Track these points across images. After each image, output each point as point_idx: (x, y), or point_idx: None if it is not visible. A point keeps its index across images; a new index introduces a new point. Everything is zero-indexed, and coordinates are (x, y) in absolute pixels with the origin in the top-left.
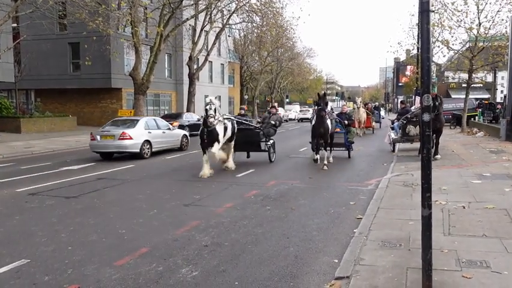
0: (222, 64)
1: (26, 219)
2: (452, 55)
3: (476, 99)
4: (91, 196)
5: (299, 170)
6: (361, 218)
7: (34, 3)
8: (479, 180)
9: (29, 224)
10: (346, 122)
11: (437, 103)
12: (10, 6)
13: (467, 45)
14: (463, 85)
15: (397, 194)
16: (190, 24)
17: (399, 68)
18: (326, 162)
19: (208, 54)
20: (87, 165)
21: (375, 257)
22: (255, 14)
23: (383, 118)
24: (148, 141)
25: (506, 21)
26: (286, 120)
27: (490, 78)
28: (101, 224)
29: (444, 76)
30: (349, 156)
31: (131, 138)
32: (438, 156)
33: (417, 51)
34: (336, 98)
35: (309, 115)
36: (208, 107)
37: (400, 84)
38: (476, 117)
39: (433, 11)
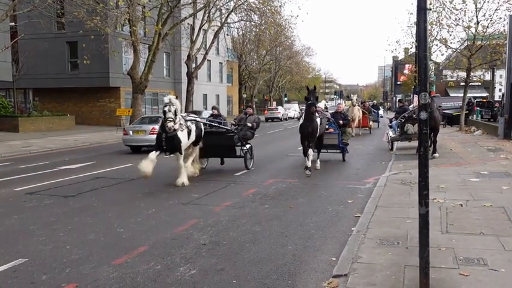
0: (220, 63)
1: (24, 219)
2: (451, 53)
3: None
4: (89, 195)
5: (297, 169)
6: (359, 216)
7: (32, 2)
8: (477, 178)
9: (27, 223)
10: (341, 122)
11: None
12: (8, 4)
13: (465, 44)
14: (461, 84)
15: (395, 192)
16: (188, 23)
17: (397, 66)
18: (309, 165)
19: (206, 53)
20: (85, 164)
21: (373, 255)
22: (253, 13)
23: (381, 117)
24: None
25: (504, 20)
26: (285, 119)
27: (488, 77)
28: (99, 223)
29: (442, 75)
30: (343, 159)
31: None
32: (436, 155)
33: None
34: (335, 96)
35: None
36: (166, 109)
37: (398, 82)
38: (470, 116)
39: (430, 9)
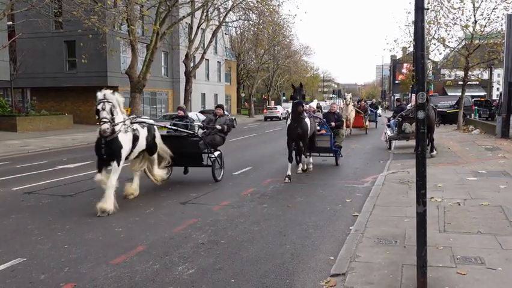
0: (218, 62)
1: (22, 218)
2: (448, 53)
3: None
4: (87, 194)
5: (295, 168)
6: (357, 216)
7: (29, 1)
8: (474, 177)
9: (25, 223)
10: (333, 124)
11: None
12: (5, 4)
13: (463, 43)
14: (459, 83)
15: (393, 191)
16: (186, 22)
17: (395, 65)
18: (300, 169)
19: (204, 52)
20: (83, 163)
21: (371, 254)
22: (251, 12)
23: (379, 116)
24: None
25: (502, 19)
26: (285, 118)
27: (486, 76)
28: (97, 223)
29: (440, 74)
30: (336, 164)
31: None
32: (434, 153)
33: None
34: (333, 95)
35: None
36: (100, 107)
37: (396, 81)
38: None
39: (428, 9)
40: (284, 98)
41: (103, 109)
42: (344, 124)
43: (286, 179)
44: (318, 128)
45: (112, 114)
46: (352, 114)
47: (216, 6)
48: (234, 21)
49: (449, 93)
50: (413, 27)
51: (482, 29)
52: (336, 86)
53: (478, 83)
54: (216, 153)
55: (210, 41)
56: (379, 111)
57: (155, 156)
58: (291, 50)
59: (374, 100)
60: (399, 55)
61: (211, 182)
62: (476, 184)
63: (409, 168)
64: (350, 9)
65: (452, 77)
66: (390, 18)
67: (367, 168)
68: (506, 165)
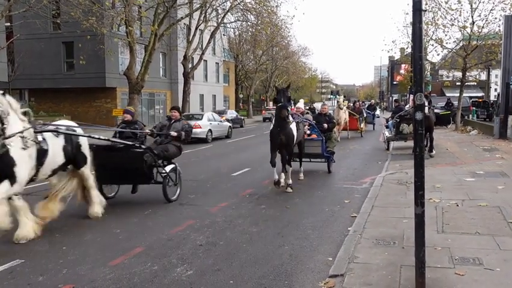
0: (216, 63)
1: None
2: (446, 53)
3: (448, 98)
4: None
5: (294, 169)
6: (355, 216)
7: (27, 2)
8: (472, 178)
9: None
10: (326, 125)
11: (426, 101)
12: (3, 5)
13: (461, 44)
14: (457, 83)
15: (391, 192)
16: (184, 23)
17: (393, 66)
18: (288, 183)
19: (202, 53)
20: None
21: (370, 255)
22: (249, 13)
23: (378, 117)
24: (210, 130)
25: (500, 20)
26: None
27: (483, 77)
28: (95, 224)
29: (438, 74)
30: (329, 171)
31: (200, 127)
32: (433, 153)
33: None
34: (332, 96)
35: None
36: None
37: (395, 82)
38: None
39: (425, 10)
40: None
41: None
42: (338, 127)
43: (276, 185)
44: (308, 132)
45: (3, 124)
46: (343, 117)
47: (214, 7)
48: (232, 22)
49: (447, 94)
50: (411, 28)
51: (479, 30)
52: (334, 87)
53: (475, 83)
54: (169, 168)
55: (208, 42)
56: (377, 112)
57: (86, 170)
58: (289, 51)
59: (372, 101)
60: (397, 56)
61: (210, 183)
62: (474, 185)
63: (407, 169)
64: (348, 10)
65: (450, 78)
66: (388, 20)
67: (365, 169)
68: (504, 166)
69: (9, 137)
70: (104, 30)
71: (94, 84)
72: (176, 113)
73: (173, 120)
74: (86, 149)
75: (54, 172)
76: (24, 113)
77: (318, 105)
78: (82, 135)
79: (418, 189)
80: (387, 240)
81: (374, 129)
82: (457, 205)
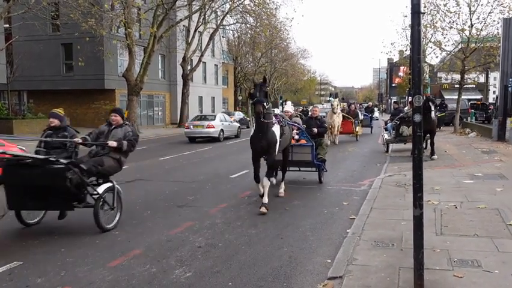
0: (215, 65)
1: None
2: (445, 56)
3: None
4: None
5: (293, 171)
6: (354, 218)
7: (26, 4)
8: (471, 180)
9: (21, 226)
10: (316, 130)
11: (430, 103)
12: (2, 6)
13: (460, 47)
14: (456, 86)
15: (390, 194)
16: (183, 25)
17: (392, 68)
18: (266, 200)
19: (201, 55)
20: None
21: (368, 256)
22: (248, 15)
23: (376, 119)
24: (222, 130)
25: (498, 23)
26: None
27: (482, 79)
28: (94, 226)
29: (437, 77)
30: (320, 181)
31: (213, 127)
32: (435, 157)
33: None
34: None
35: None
36: None
37: (393, 84)
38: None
39: (424, 13)
40: (281, 101)
41: None
42: (329, 131)
43: (262, 208)
44: (297, 137)
45: None
46: (338, 120)
47: (214, 9)
48: (231, 24)
49: (445, 97)
50: (410, 30)
51: (478, 33)
52: (333, 89)
53: (474, 86)
54: (104, 187)
55: (207, 44)
56: (376, 114)
57: None
58: (288, 53)
59: (370, 103)
60: (396, 58)
61: (209, 184)
62: (473, 187)
63: (406, 171)
64: (347, 12)
65: (448, 81)
66: (387, 22)
67: (364, 171)
68: (502, 168)
69: None
70: (103, 32)
71: (92, 86)
72: (117, 116)
73: (113, 126)
74: None
75: None
76: None
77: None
78: None
79: (417, 191)
80: (386, 242)
81: (371, 132)
82: (456, 207)
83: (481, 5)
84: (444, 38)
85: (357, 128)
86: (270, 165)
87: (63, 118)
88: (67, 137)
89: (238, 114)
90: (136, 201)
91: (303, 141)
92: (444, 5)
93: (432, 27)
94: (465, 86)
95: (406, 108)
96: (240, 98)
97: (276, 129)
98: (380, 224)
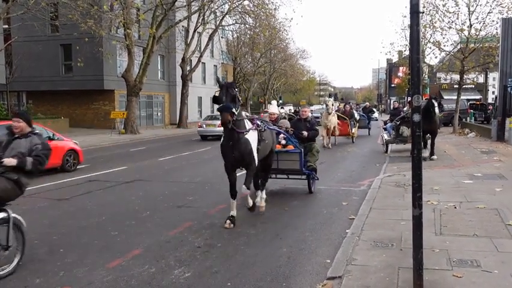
0: (215, 65)
1: None
2: (444, 56)
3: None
4: (83, 198)
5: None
6: (353, 219)
7: (26, 5)
8: (470, 180)
9: None
10: (305, 133)
11: (433, 101)
12: (1, 7)
13: (459, 47)
14: (455, 86)
15: (389, 194)
16: (183, 26)
17: (391, 69)
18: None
19: (201, 56)
20: (79, 167)
21: (368, 257)
22: (247, 16)
23: (376, 120)
24: None
25: (497, 23)
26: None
27: (481, 79)
28: (93, 226)
29: (436, 77)
30: (310, 191)
31: None
32: (434, 157)
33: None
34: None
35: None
36: None
37: (393, 85)
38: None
39: (423, 13)
40: (281, 101)
41: None
42: (324, 132)
43: (227, 222)
44: (283, 142)
45: None
46: (333, 121)
47: (213, 9)
48: (230, 24)
49: (445, 97)
50: (409, 30)
51: (477, 33)
52: (332, 90)
53: (473, 86)
54: None
55: (207, 45)
56: (376, 114)
57: None
58: (288, 53)
59: (367, 104)
60: (395, 59)
61: (208, 185)
62: (472, 187)
63: (405, 172)
64: (347, 13)
65: (447, 81)
66: (386, 22)
67: (363, 171)
68: (501, 168)
69: None
70: (103, 33)
71: (92, 87)
72: (20, 123)
73: (16, 136)
74: None
75: None
76: None
77: (315, 108)
78: None
79: (416, 191)
80: (385, 242)
81: (369, 134)
82: (455, 207)
83: (480, 5)
84: (444, 38)
85: (353, 130)
86: (247, 176)
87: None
88: None
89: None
90: (135, 202)
91: (290, 147)
92: (443, 5)
93: (432, 27)
94: (464, 86)
95: (405, 108)
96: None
97: (252, 136)
98: (379, 224)
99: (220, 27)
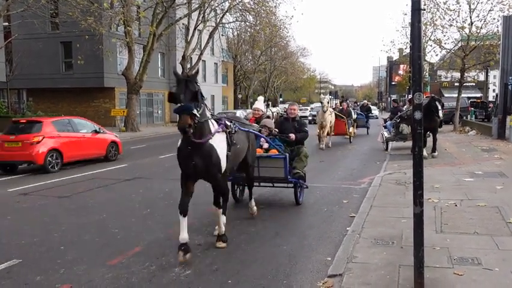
0: (215, 63)
1: (17, 219)
2: (445, 54)
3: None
4: (83, 196)
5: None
6: (354, 216)
7: (26, 2)
8: (471, 178)
9: (20, 224)
10: (292, 136)
11: (437, 103)
12: (1, 5)
13: (459, 44)
14: (456, 84)
15: (390, 192)
16: (183, 23)
17: (392, 67)
18: (220, 232)
19: (201, 54)
20: (80, 164)
21: (368, 254)
22: (248, 13)
23: (376, 118)
24: None
25: (498, 20)
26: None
27: (482, 77)
28: (93, 224)
29: (437, 75)
30: (297, 202)
31: None
32: (435, 154)
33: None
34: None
35: (307, 113)
36: None
37: (393, 83)
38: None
39: (424, 10)
40: (281, 99)
41: None
42: (320, 132)
43: (180, 254)
44: (266, 146)
45: None
46: (330, 119)
47: (213, 7)
48: (230, 22)
49: (445, 95)
50: (410, 28)
51: (478, 31)
52: (332, 88)
53: (474, 84)
54: None
55: (207, 42)
56: (376, 112)
57: None
58: (288, 51)
59: (365, 101)
60: (395, 56)
61: (208, 183)
62: (473, 185)
63: (406, 169)
64: (347, 11)
65: (448, 79)
66: (387, 20)
67: (364, 169)
68: (502, 166)
69: None
70: (103, 30)
71: (92, 84)
72: None
73: None
74: None
75: None
76: None
77: (314, 106)
78: None
79: (417, 188)
80: (386, 240)
81: (368, 133)
82: (456, 205)
83: (481, 2)
84: (444, 36)
85: (351, 129)
86: (216, 188)
87: None
88: None
89: (249, 112)
90: (135, 200)
91: (274, 152)
92: (444, 3)
93: (432, 25)
94: (465, 84)
95: (406, 106)
96: (239, 96)
97: (219, 139)
98: (380, 222)
99: (221, 25)
